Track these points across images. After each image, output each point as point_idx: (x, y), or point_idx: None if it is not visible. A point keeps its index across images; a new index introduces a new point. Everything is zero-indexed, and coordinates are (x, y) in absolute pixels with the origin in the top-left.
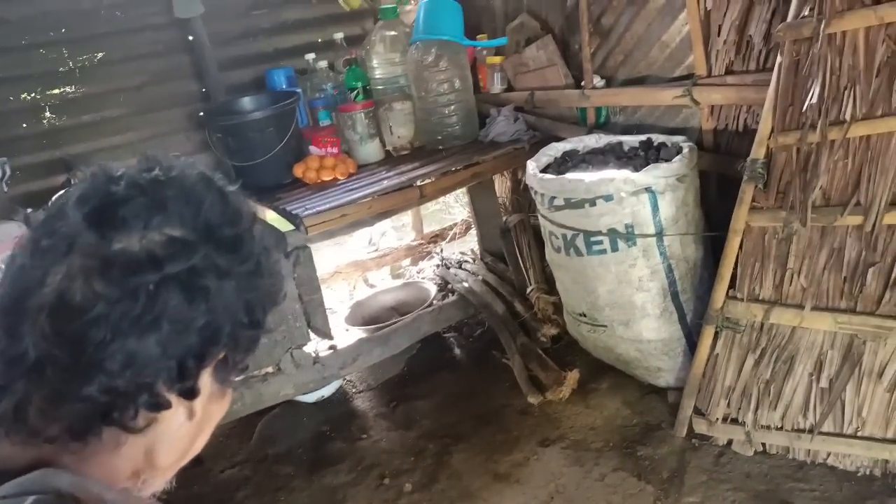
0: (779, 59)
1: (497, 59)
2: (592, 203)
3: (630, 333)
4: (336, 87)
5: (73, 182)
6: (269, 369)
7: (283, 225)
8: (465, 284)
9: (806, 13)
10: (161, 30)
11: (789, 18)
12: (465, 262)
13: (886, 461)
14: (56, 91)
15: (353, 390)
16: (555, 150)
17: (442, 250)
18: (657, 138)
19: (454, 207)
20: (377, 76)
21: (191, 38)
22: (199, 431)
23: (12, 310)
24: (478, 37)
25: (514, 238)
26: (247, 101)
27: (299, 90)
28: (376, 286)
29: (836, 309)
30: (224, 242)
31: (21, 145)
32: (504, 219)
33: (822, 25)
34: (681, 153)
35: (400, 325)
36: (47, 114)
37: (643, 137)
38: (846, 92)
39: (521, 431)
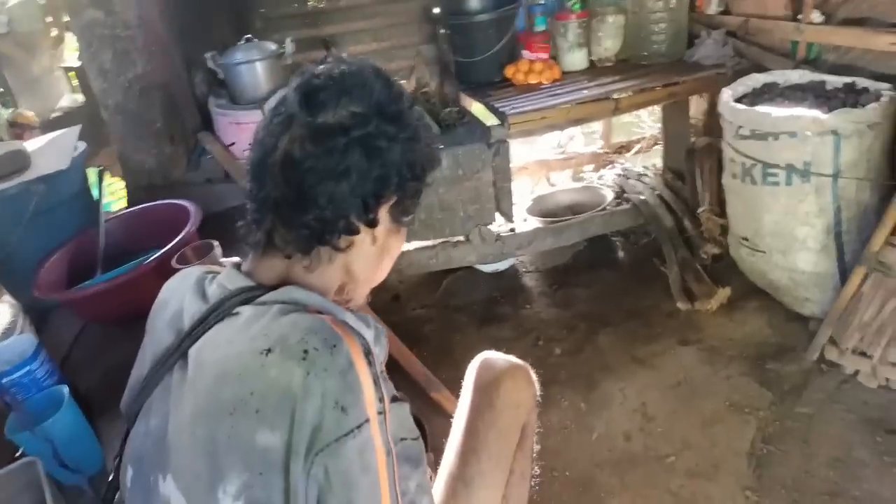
0: None
1: None
2: (776, 137)
3: (786, 262)
4: None
5: (328, 59)
6: (460, 238)
7: (489, 118)
8: (641, 196)
9: None
10: None
11: None
12: (645, 175)
13: None
14: None
15: (524, 269)
16: (755, 80)
17: (626, 161)
18: (862, 82)
19: (646, 122)
20: None
21: None
22: (382, 257)
23: (259, 167)
24: None
25: (698, 159)
26: (475, 2)
27: None
28: (557, 185)
29: None
30: (389, 115)
31: (290, 23)
32: (693, 140)
33: None
34: (878, 100)
35: (573, 222)
36: None
37: (848, 80)
38: None
39: (663, 329)
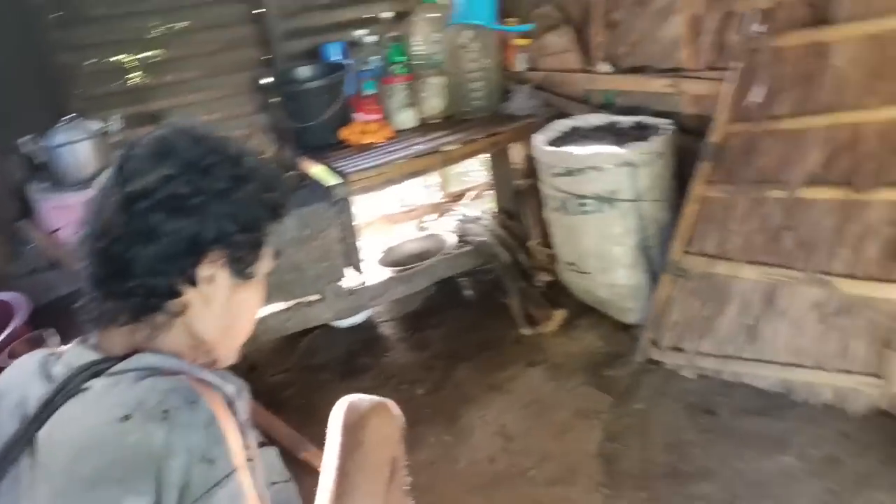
0: (735, 63)
1: (523, 42)
2: (583, 172)
3: (607, 279)
4: (381, 60)
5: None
6: (314, 297)
7: (331, 178)
8: (479, 238)
9: (760, 29)
10: (236, 2)
11: (746, 32)
12: (481, 218)
13: (789, 380)
14: (146, 54)
15: (380, 319)
16: (562, 125)
17: (463, 207)
18: (647, 120)
19: (478, 170)
20: (417, 52)
21: (262, 10)
22: (234, 314)
23: (83, 244)
24: (508, 20)
25: (524, 199)
26: (304, 71)
27: (350, 61)
28: (403, 236)
29: (762, 262)
30: (201, 170)
31: (115, 100)
32: (518, 182)
33: (769, 40)
34: (661, 134)
35: (421, 269)
36: (137, 73)
37: (636, 119)
38: (782, 94)
39: (513, 356)
